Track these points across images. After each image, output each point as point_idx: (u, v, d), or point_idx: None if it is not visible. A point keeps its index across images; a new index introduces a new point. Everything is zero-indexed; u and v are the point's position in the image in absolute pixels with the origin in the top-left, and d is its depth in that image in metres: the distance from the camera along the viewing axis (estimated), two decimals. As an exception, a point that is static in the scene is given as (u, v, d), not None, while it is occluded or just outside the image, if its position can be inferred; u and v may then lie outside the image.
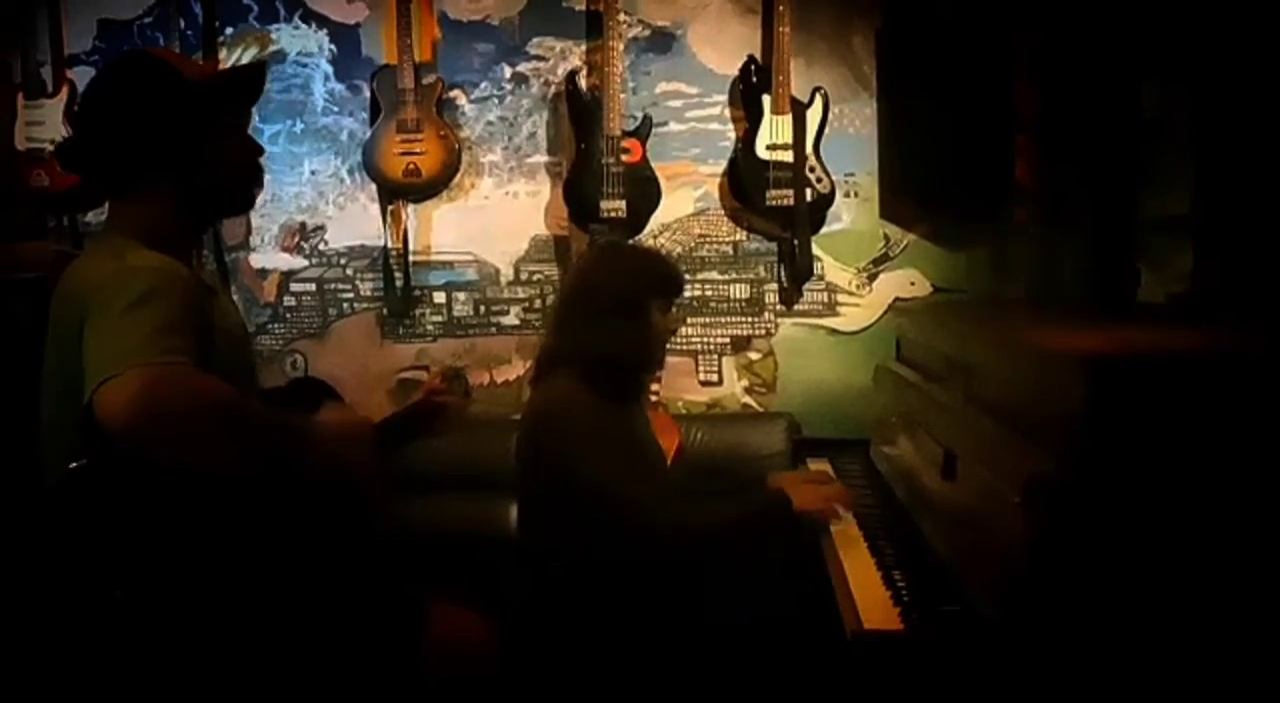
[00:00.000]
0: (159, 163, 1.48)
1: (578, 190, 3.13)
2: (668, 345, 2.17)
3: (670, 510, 1.95)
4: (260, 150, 1.60)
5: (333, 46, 3.35)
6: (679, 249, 3.27)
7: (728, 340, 3.32)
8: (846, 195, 3.22)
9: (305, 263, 3.41)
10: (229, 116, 1.56)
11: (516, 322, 3.38)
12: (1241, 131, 2.04)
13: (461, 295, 3.38)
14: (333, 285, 3.41)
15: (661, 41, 3.26)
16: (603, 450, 1.90)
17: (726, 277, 3.31)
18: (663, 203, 3.18)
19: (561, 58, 3.29)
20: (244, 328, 1.67)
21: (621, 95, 3.12)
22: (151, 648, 1.33)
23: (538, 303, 3.37)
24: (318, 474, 1.35)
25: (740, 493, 2.15)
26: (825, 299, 3.28)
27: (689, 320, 3.25)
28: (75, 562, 1.36)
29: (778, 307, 3.30)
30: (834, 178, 3.13)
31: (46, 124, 3.23)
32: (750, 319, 3.31)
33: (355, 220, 3.38)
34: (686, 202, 3.29)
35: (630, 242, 3.12)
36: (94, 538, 1.33)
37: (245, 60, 3.35)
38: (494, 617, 1.62)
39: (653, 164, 3.15)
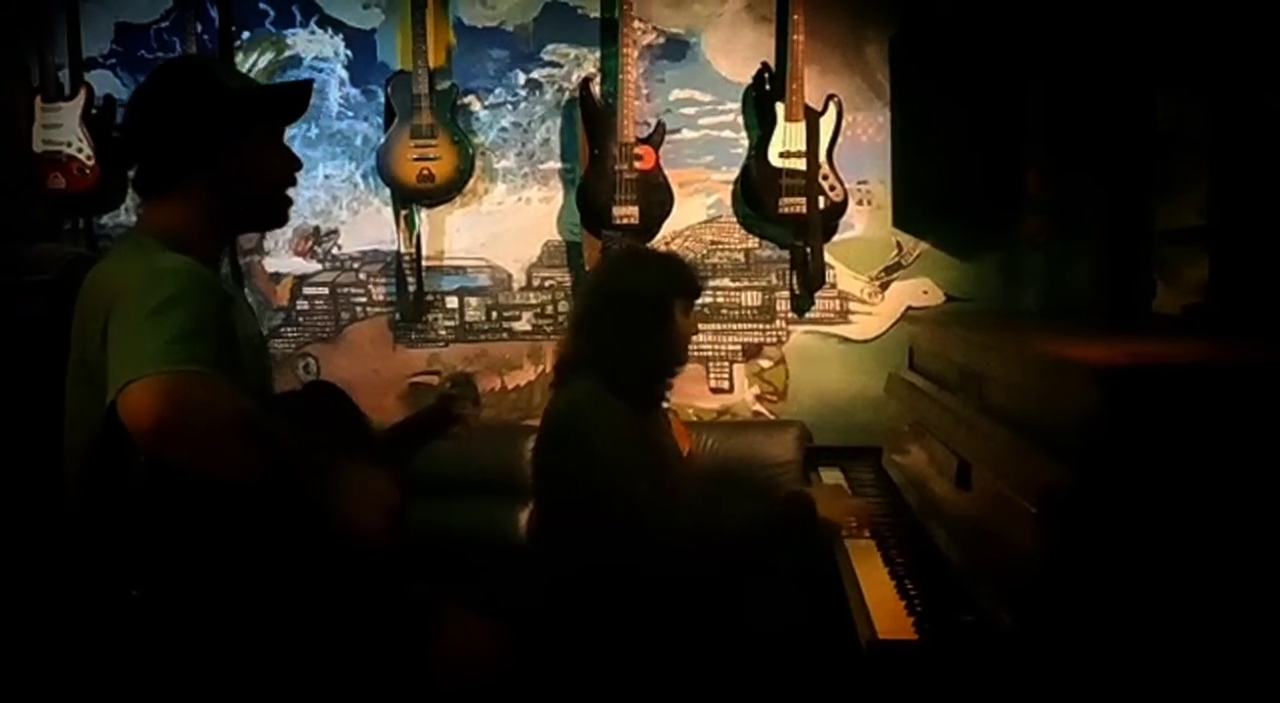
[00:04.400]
0: (193, 165, 1.49)
1: (591, 197, 3.14)
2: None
3: (692, 514, 1.94)
4: (298, 165, 1.59)
5: (348, 52, 3.37)
6: (691, 256, 3.26)
7: (739, 348, 3.32)
8: (859, 203, 3.22)
9: (318, 267, 3.43)
10: (267, 128, 1.56)
11: (528, 327, 3.39)
12: (1258, 143, 2.03)
13: (473, 301, 3.39)
14: (345, 290, 3.43)
15: (676, 49, 3.27)
16: (626, 455, 1.90)
17: (738, 284, 3.31)
18: (675, 210, 3.18)
19: (576, 64, 3.30)
20: (260, 334, 1.68)
21: (635, 102, 3.13)
22: (166, 647, 1.33)
23: (549, 309, 3.37)
24: (331, 521, 1.34)
25: (760, 497, 2.14)
26: (837, 307, 3.28)
27: (700, 327, 3.24)
28: (93, 560, 1.36)
29: (789, 314, 3.30)
30: (847, 186, 3.13)
31: (63, 127, 3.25)
32: (762, 327, 3.31)
33: (369, 225, 3.40)
34: (699, 209, 3.29)
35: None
36: (112, 537, 1.34)
37: (261, 65, 3.38)
38: (502, 621, 1.62)
39: (665, 171, 3.15)
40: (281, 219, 1.62)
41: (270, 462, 1.29)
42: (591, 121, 3.18)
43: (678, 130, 3.25)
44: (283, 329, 3.43)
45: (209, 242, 1.53)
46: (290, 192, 1.59)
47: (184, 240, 1.46)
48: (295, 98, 1.59)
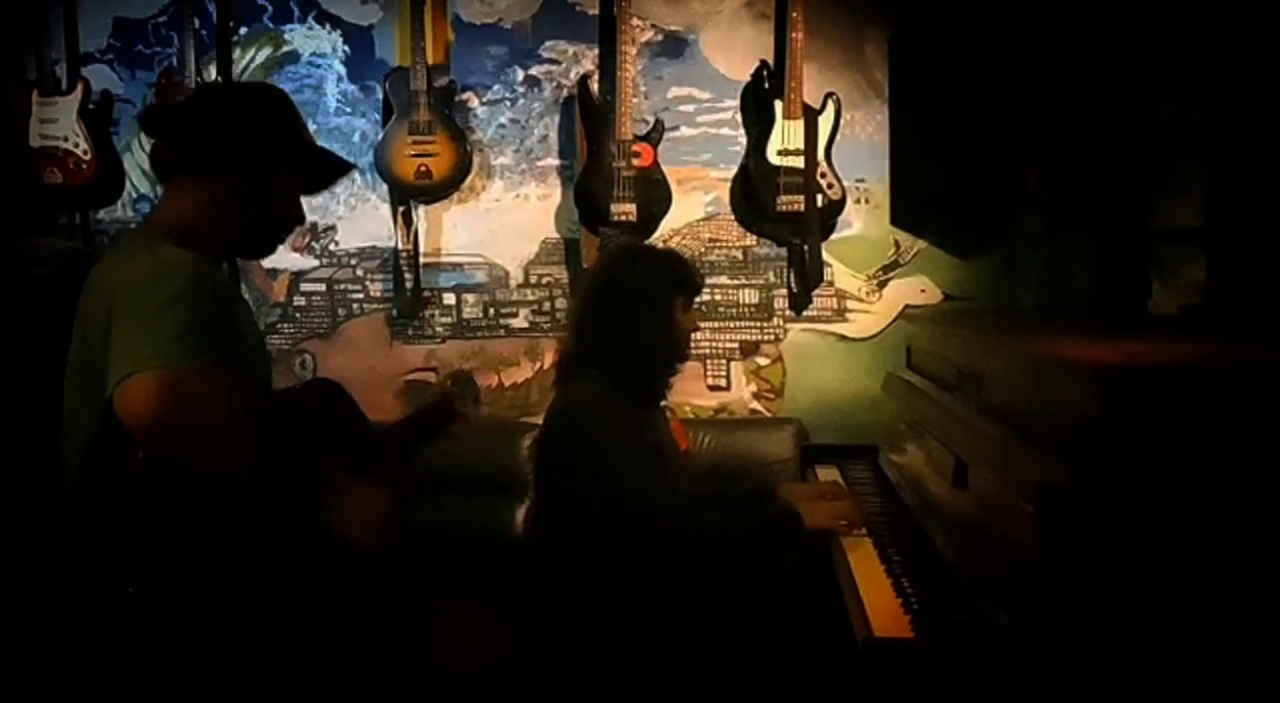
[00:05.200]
0: (230, 161, 1.53)
1: (588, 194, 3.13)
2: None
3: (686, 516, 1.95)
4: (301, 220, 1.68)
5: (346, 48, 3.36)
6: (689, 254, 3.26)
7: (736, 346, 3.32)
8: (857, 202, 3.23)
9: (315, 263, 3.42)
10: (299, 178, 1.66)
11: (525, 324, 3.39)
12: (1255, 143, 2.03)
13: (471, 297, 3.39)
14: (343, 286, 3.42)
15: (674, 46, 3.27)
16: (626, 452, 1.90)
17: (736, 282, 3.31)
18: (673, 207, 3.18)
19: (574, 61, 3.30)
20: (260, 334, 1.69)
21: (633, 99, 3.13)
22: (162, 644, 1.33)
23: (546, 306, 3.37)
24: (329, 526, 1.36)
25: (753, 504, 2.15)
26: (835, 305, 3.28)
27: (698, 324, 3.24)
28: (90, 556, 1.36)
29: (787, 312, 3.30)
30: (845, 184, 3.13)
31: (60, 122, 3.24)
32: (759, 324, 3.31)
33: (366, 221, 3.39)
34: (697, 206, 3.29)
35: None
36: (109, 533, 1.34)
37: (259, 61, 3.37)
38: (502, 618, 1.62)
39: (664, 168, 3.15)
40: (267, 251, 1.69)
41: (269, 461, 1.29)
42: (589, 119, 3.17)
43: (676, 128, 3.25)
44: (279, 325, 3.42)
45: (215, 239, 1.53)
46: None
47: (191, 234, 1.47)
48: (335, 169, 1.71)
